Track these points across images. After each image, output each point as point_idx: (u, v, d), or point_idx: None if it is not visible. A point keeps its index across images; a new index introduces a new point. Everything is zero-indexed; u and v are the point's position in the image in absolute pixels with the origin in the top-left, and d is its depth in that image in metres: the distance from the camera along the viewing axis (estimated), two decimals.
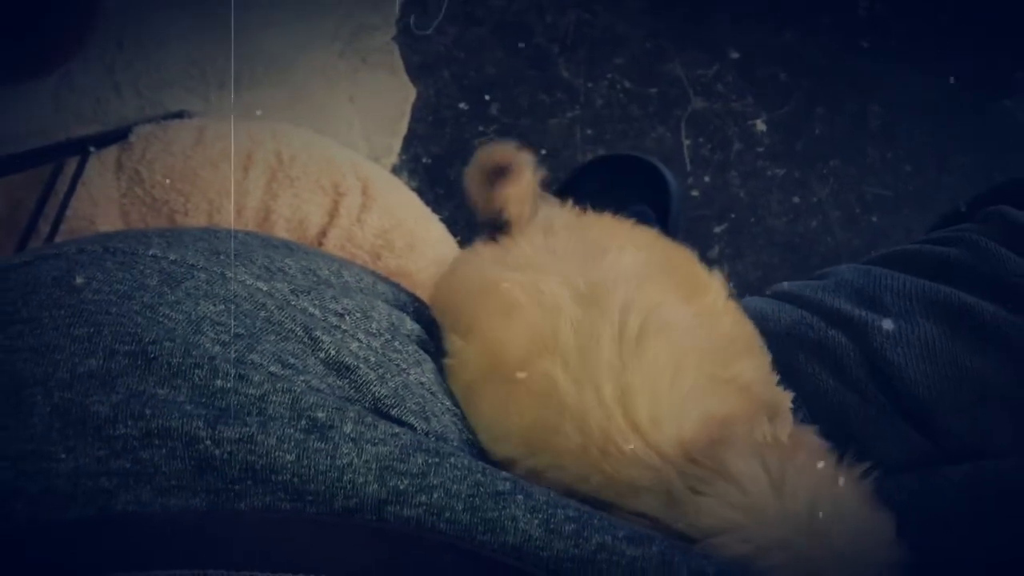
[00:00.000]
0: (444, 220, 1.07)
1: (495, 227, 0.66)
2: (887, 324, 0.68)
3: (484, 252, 0.64)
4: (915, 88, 1.39)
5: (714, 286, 0.62)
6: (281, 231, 1.03)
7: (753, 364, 0.59)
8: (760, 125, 1.34)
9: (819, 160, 1.32)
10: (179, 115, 1.20)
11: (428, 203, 1.06)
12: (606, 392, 0.51)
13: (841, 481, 0.50)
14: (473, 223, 1.27)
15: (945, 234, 0.76)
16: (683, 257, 0.65)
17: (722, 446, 0.50)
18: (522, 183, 0.65)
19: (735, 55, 1.39)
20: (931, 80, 1.39)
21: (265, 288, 0.53)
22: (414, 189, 1.13)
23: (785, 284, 0.77)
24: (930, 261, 0.73)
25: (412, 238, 1.05)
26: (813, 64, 1.39)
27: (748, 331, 0.62)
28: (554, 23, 1.38)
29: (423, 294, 0.71)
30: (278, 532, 0.44)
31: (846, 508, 0.49)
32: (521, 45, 1.36)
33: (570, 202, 0.68)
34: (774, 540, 0.47)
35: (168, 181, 1.02)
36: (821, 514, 0.48)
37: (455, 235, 1.08)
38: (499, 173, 0.66)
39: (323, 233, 1.05)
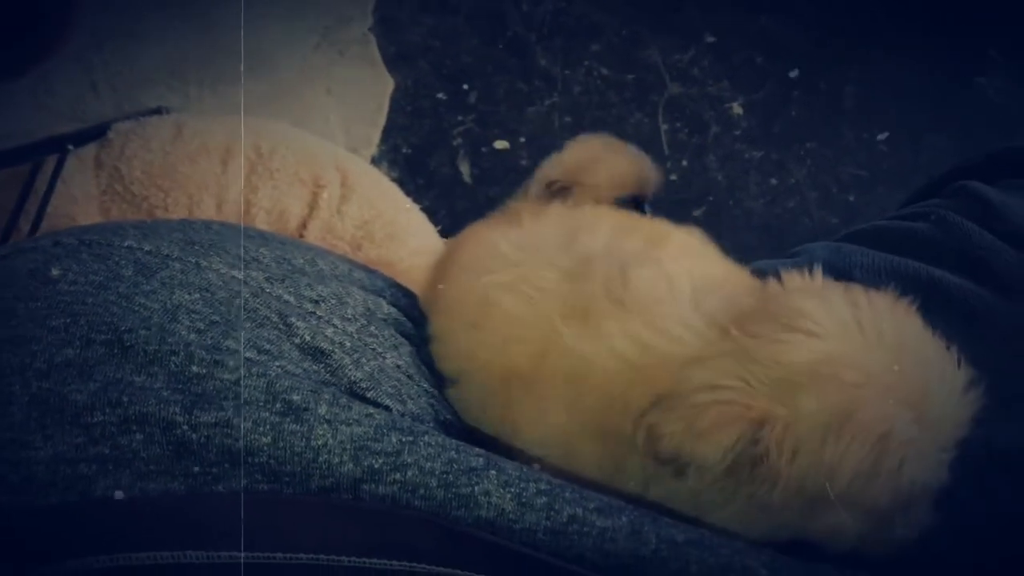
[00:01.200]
0: (424, 209, 1.07)
1: (551, 188, 0.68)
2: None
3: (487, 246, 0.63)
4: (890, 69, 1.40)
5: (684, 237, 0.64)
6: (261, 224, 1.04)
7: (735, 268, 0.63)
8: (737, 108, 1.35)
9: (795, 142, 1.33)
10: (157, 111, 1.20)
11: (408, 193, 1.07)
12: (615, 342, 0.52)
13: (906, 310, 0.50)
14: (455, 213, 1.28)
15: (914, 210, 0.78)
16: (654, 223, 0.67)
17: (773, 301, 0.51)
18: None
19: (711, 39, 1.40)
20: (905, 60, 1.40)
21: (240, 276, 0.54)
22: (394, 179, 1.14)
23: (760, 263, 0.78)
24: (898, 236, 0.74)
25: (392, 228, 1.05)
26: (788, 47, 1.40)
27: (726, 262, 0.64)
28: (530, 12, 1.39)
29: (405, 283, 0.72)
30: (256, 513, 0.45)
31: (923, 334, 0.50)
32: (500, 37, 1.37)
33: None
34: (874, 363, 0.47)
35: (147, 177, 1.02)
36: (902, 339, 0.48)
37: (435, 224, 1.08)
38: (634, 185, 0.71)
39: (303, 225, 1.06)
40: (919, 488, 0.48)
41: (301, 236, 1.05)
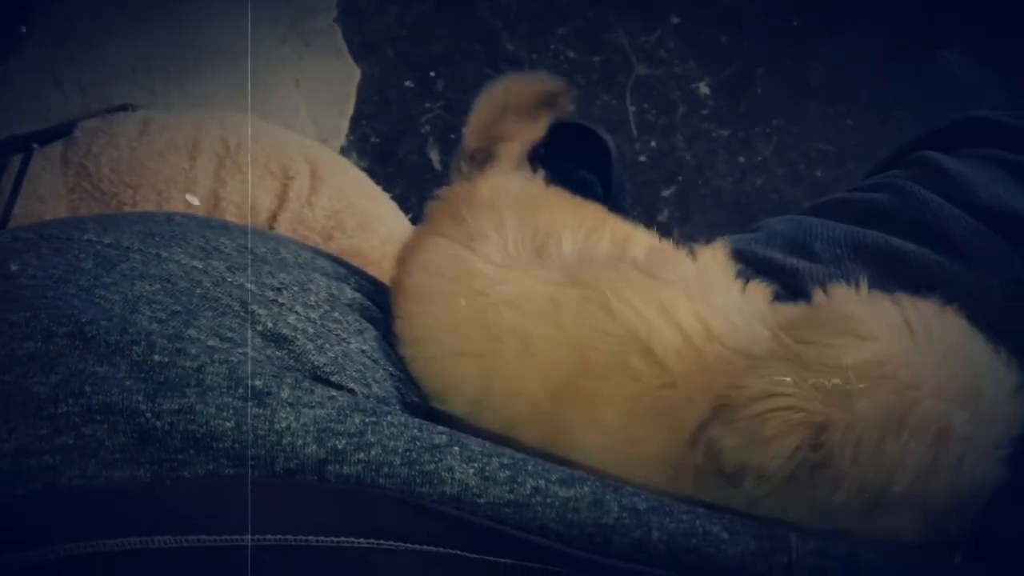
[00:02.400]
0: (395, 198, 1.07)
1: (476, 158, 0.67)
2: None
3: (447, 250, 0.61)
4: (855, 44, 1.41)
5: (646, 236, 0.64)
6: (231, 217, 1.04)
7: None
8: (703, 88, 1.36)
9: (762, 120, 1.34)
10: (124, 108, 1.19)
11: (378, 182, 1.07)
12: (679, 314, 0.52)
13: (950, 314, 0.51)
14: (426, 200, 1.28)
15: (873, 181, 0.79)
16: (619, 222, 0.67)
17: (822, 309, 0.52)
18: (559, 116, 0.67)
19: (676, 20, 1.40)
20: (870, 36, 1.42)
21: (201, 266, 0.54)
22: (364, 169, 1.14)
23: (722, 239, 0.79)
24: (858, 208, 0.75)
25: (363, 217, 1.05)
26: (753, 26, 1.41)
27: None
28: None
29: (376, 272, 0.72)
30: (222, 497, 0.45)
31: (972, 334, 0.50)
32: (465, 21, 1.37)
33: (540, 172, 0.69)
34: (926, 363, 0.47)
35: (115, 174, 1.02)
36: (952, 340, 0.49)
37: (406, 212, 1.08)
38: (545, 103, 0.67)
39: (274, 217, 1.06)
40: (977, 485, 0.48)
41: (271, 228, 1.05)
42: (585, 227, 0.61)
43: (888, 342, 0.48)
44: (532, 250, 0.59)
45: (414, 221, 1.07)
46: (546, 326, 0.55)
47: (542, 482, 0.46)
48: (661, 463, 0.52)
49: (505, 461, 0.47)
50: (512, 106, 0.67)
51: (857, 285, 0.54)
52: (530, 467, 0.47)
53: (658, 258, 0.57)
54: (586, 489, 0.46)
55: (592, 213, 0.66)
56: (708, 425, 0.49)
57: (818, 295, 0.54)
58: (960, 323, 0.51)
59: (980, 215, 0.70)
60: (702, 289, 0.54)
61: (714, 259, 0.59)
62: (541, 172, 0.69)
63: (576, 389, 0.53)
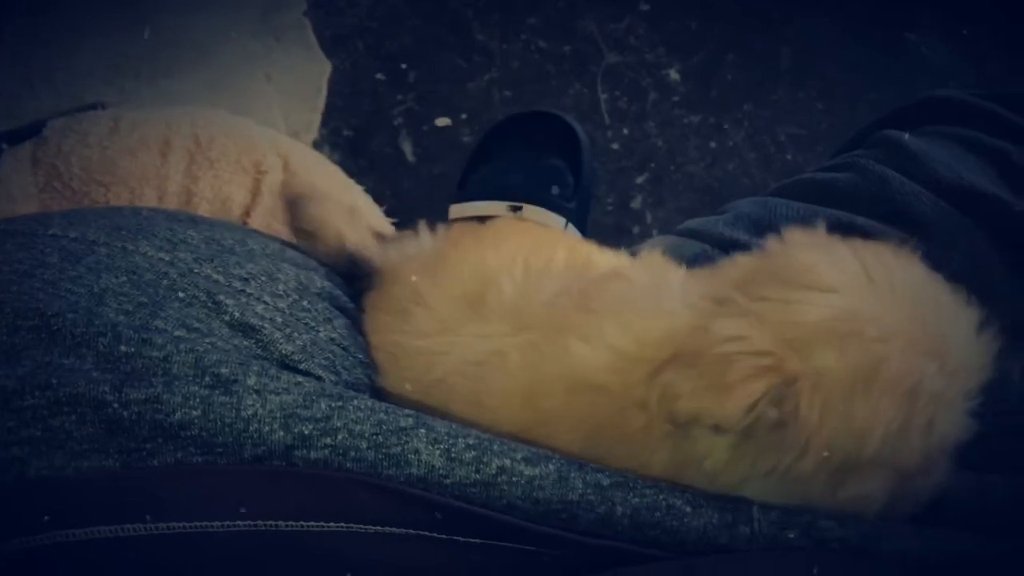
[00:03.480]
0: (368, 191, 1.07)
1: (355, 272, 0.65)
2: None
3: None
4: (823, 28, 1.42)
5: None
6: (204, 213, 1.04)
7: None
8: (674, 75, 1.37)
9: (733, 105, 1.35)
10: (94, 107, 1.19)
11: (351, 175, 1.06)
12: (608, 337, 0.50)
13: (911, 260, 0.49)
14: (399, 192, 1.28)
15: (836, 161, 0.80)
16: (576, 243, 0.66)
17: (776, 259, 0.49)
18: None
19: (645, 7, 1.41)
20: (838, 20, 1.43)
21: (167, 258, 0.55)
22: (336, 163, 1.14)
23: (690, 222, 0.80)
24: (822, 187, 0.76)
25: None
26: (722, 11, 1.42)
27: None
28: None
29: None
30: (191, 484, 0.46)
31: (931, 278, 0.48)
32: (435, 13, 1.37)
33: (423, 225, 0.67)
34: (891, 315, 0.45)
35: (87, 173, 1.02)
36: (912, 287, 0.46)
37: (379, 205, 1.09)
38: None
39: (247, 212, 1.05)
40: (948, 442, 0.46)
41: (245, 223, 1.05)
42: (522, 259, 0.58)
43: (850, 294, 0.46)
44: (466, 306, 0.56)
45: (388, 213, 1.07)
46: (496, 379, 0.53)
47: (507, 461, 0.47)
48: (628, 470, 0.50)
49: (471, 442, 0.48)
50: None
51: (814, 227, 0.51)
52: (496, 447, 0.48)
53: (595, 288, 0.54)
54: (551, 467, 0.47)
55: (530, 240, 0.63)
56: (665, 367, 0.46)
57: (771, 242, 0.52)
58: (917, 266, 0.49)
59: (941, 192, 0.71)
60: (636, 301, 0.52)
61: (651, 263, 0.58)
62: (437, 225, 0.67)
63: (536, 436, 0.51)
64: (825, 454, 0.45)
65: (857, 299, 0.46)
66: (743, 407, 0.43)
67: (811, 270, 0.47)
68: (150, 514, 0.44)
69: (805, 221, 0.73)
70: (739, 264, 0.52)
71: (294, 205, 0.67)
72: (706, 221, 0.78)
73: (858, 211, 0.72)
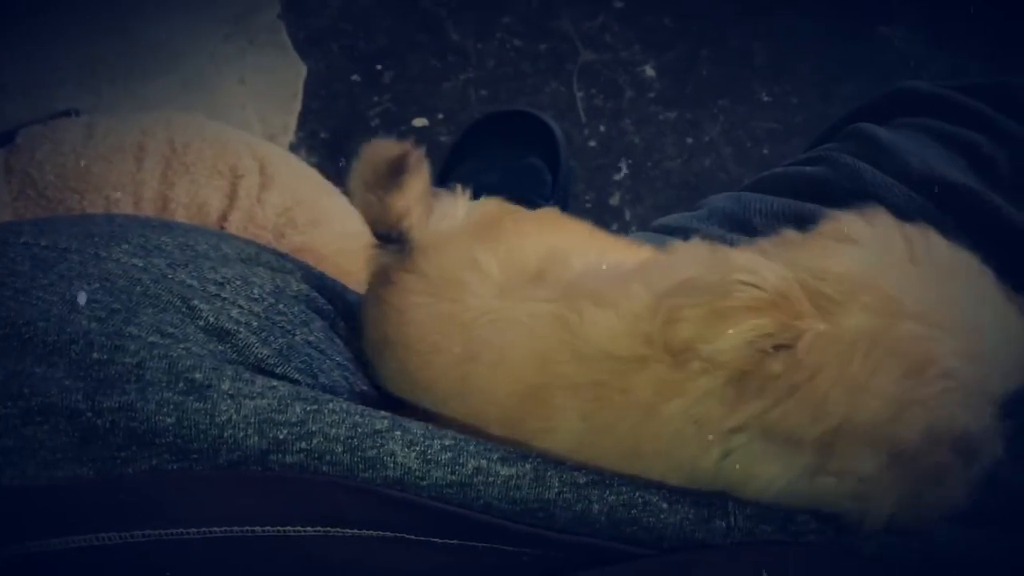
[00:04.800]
0: (346, 193, 1.07)
1: (391, 238, 0.61)
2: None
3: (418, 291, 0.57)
4: (796, 23, 1.43)
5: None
6: (181, 218, 1.03)
7: None
8: (649, 71, 1.37)
9: (709, 100, 1.36)
10: (67, 113, 1.18)
11: (329, 177, 1.07)
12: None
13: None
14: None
15: (810, 155, 0.80)
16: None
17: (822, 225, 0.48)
18: (421, 182, 0.60)
19: (619, 5, 1.41)
20: (810, 13, 1.44)
21: (141, 264, 0.54)
22: (314, 165, 1.14)
23: (664, 218, 0.80)
24: (795, 181, 0.77)
25: (314, 214, 1.05)
26: (696, 7, 1.42)
27: None
28: None
29: (330, 269, 0.71)
30: (167, 491, 0.46)
31: (982, 269, 0.46)
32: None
33: (459, 188, 0.64)
34: (921, 284, 0.43)
35: (61, 180, 1.01)
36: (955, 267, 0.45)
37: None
38: (396, 172, 0.60)
39: (224, 217, 1.05)
40: (958, 432, 0.43)
41: (222, 228, 1.04)
42: (595, 241, 0.58)
43: (883, 254, 0.44)
44: (527, 279, 0.55)
45: None
46: (523, 340, 0.51)
47: (484, 462, 0.47)
48: (624, 457, 0.49)
49: (447, 443, 0.48)
50: (371, 184, 0.62)
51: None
52: (472, 448, 0.48)
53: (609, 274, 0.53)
54: (527, 466, 0.47)
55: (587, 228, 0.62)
56: (674, 291, 0.44)
57: (822, 223, 0.49)
58: (971, 257, 0.46)
59: (912, 183, 0.72)
60: (667, 264, 0.51)
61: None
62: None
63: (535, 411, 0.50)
64: (812, 411, 0.42)
65: (888, 260, 0.44)
66: (737, 340, 0.42)
67: (850, 228, 0.46)
68: (125, 522, 0.44)
69: (778, 215, 0.74)
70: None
71: (398, 165, 0.60)
72: (680, 217, 0.78)
73: (831, 203, 0.72)
